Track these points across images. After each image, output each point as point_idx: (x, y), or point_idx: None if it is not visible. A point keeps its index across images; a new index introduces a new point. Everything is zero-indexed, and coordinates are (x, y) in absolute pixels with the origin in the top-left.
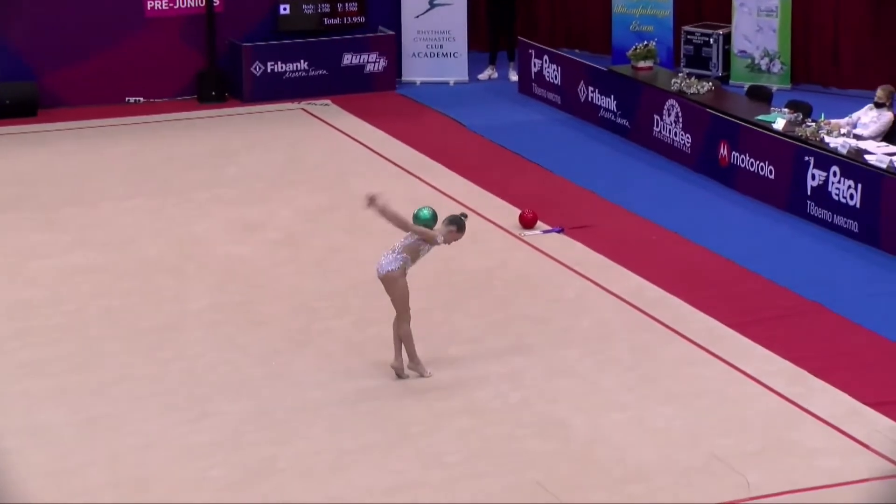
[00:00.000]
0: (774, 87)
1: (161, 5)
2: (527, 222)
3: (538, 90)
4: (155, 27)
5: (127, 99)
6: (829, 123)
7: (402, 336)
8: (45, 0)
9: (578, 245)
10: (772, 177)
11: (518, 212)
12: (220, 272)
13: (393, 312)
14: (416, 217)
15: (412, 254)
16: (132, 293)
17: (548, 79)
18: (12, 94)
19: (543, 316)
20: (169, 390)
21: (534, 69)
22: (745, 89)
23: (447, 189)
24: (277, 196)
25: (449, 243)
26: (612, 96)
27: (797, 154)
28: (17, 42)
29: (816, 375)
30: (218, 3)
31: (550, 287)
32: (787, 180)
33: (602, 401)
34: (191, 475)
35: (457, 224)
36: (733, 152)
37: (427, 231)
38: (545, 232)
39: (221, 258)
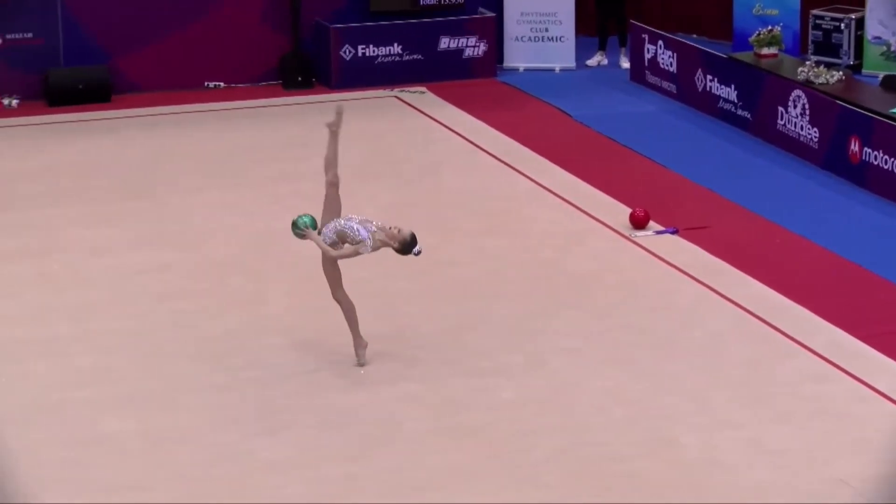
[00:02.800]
0: None
1: None
2: (638, 222)
3: (651, 78)
4: (236, 7)
5: (206, 84)
6: None
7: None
8: None
9: (693, 247)
10: None
11: (628, 210)
12: (300, 273)
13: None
14: (295, 225)
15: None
16: (203, 295)
17: (662, 66)
18: (85, 78)
19: (651, 325)
20: (240, 401)
21: (647, 55)
22: (880, 79)
23: (550, 184)
24: (363, 191)
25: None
26: (733, 86)
27: None
28: (89, 23)
29: None
30: None
31: (661, 293)
32: None
33: (714, 419)
34: (264, 493)
35: (402, 248)
36: (865, 148)
37: (350, 252)
38: (658, 233)
39: (301, 258)
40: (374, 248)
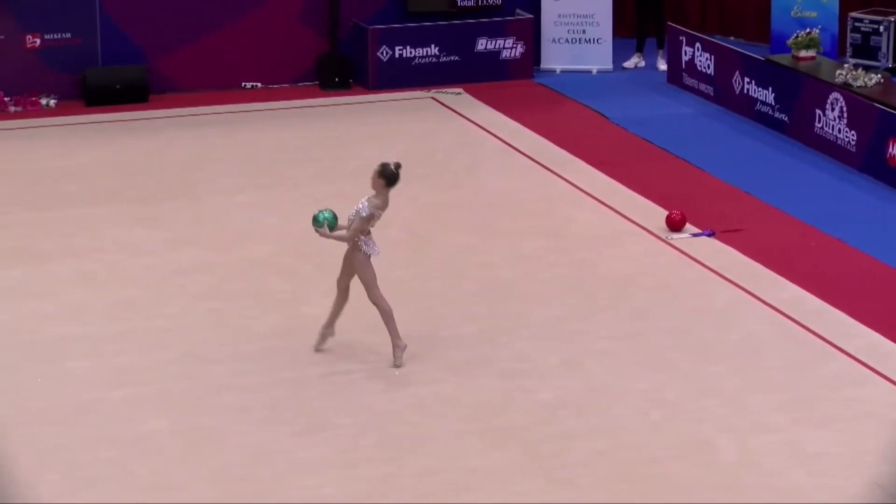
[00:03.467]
0: None
1: None
2: (674, 224)
3: (689, 80)
4: (273, 7)
5: (243, 84)
6: None
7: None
8: None
9: (730, 250)
10: None
11: (664, 213)
12: (336, 274)
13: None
14: (316, 220)
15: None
16: (241, 295)
17: (699, 68)
18: (122, 78)
19: (688, 327)
20: (278, 401)
21: (684, 57)
22: None
23: (586, 186)
24: (400, 191)
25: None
26: (770, 88)
27: None
28: (127, 23)
29: None
30: None
31: (697, 296)
32: None
33: (751, 422)
34: (299, 494)
35: (387, 177)
36: None
37: (358, 225)
38: (694, 235)
39: (339, 259)
40: (375, 207)
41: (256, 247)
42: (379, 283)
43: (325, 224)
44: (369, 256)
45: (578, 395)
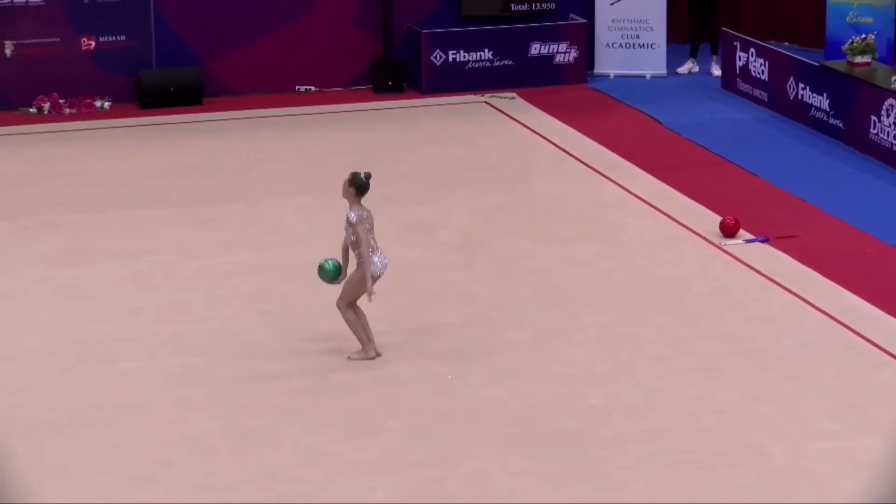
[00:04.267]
0: None
1: None
2: (728, 230)
3: (742, 86)
4: (326, 10)
5: (297, 88)
6: None
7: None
8: None
9: (784, 256)
10: None
11: (718, 218)
12: (390, 277)
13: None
14: (322, 269)
15: (355, 246)
16: (294, 298)
17: (753, 74)
18: (176, 80)
19: (741, 333)
20: (329, 403)
21: (738, 63)
22: None
23: (639, 191)
24: (453, 195)
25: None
26: (825, 94)
27: None
28: (181, 26)
29: None
30: None
31: (750, 302)
32: None
33: (804, 429)
34: (350, 496)
35: (357, 185)
36: None
37: (361, 233)
38: (748, 241)
39: (392, 261)
40: (358, 215)
41: (309, 249)
42: (432, 286)
43: (334, 272)
44: (368, 278)
45: (630, 400)
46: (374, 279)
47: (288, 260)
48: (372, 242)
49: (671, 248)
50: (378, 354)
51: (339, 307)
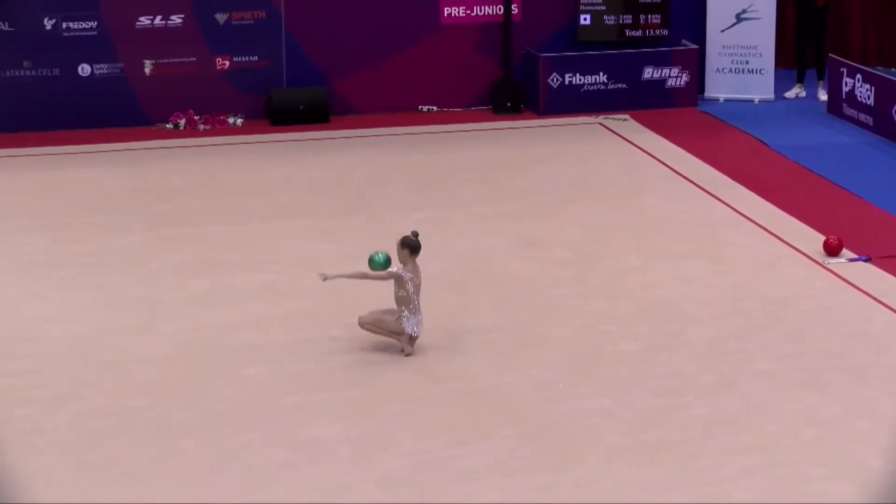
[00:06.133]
0: None
1: (457, 12)
2: (831, 249)
3: (848, 111)
4: (450, 34)
5: (420, 108)
6: None
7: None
8: (340, 4)
9: (886, 275)
10: None
11: (822, 238)
12: (505, 290)
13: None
14: (371, 261)
15: (405, 303)
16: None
17: (860, 99)
18: (305, 99)
19: (843, 350)
20: (443, 410)
21: (845, 88)
22: None
23: (746, 210)
24: (566, 212)
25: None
26: None
27: None
28: (310, 48)
29: None
30: (516, 11)
31: (853, 320)
32: None
33: None
34: (463, 499)
35: (410, 247)
36: None
37: (388, 273)
38: (850, 260)
39: (505, 275)
40: (408, 274)
41: (427, 262)
42: (545, 299)
43: (384, 264)
44: (405, 333)
45: (733, 413)
46: (408, 336)
47: None
48: (415, 302)
49: (776, 266)
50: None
51: (361, 324)
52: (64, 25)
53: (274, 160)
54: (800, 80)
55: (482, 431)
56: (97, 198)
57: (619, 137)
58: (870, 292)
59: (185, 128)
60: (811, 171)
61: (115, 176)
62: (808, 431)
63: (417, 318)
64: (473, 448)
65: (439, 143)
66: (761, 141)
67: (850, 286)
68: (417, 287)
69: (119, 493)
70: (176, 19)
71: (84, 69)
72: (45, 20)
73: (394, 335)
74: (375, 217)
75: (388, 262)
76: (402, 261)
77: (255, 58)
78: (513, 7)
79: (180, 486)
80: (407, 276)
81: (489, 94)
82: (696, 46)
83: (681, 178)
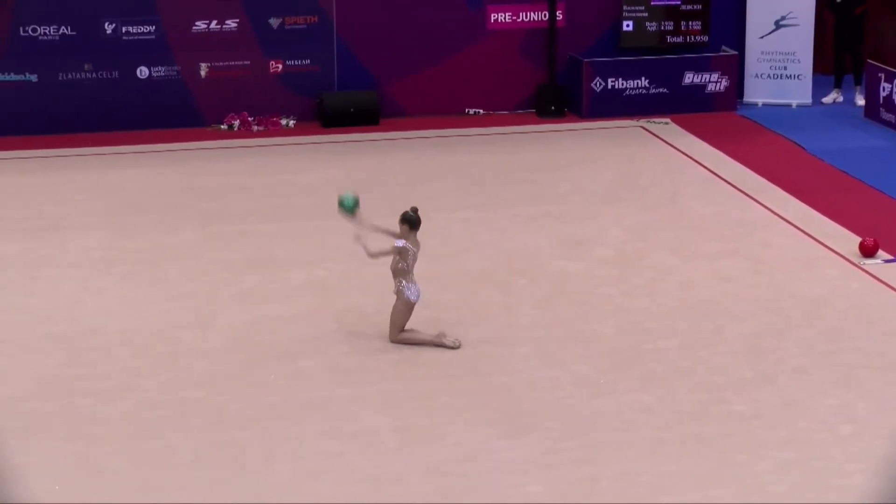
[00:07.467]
0: None
1: (504, 18)
2: (867, 250)
3: (885, 115)
4: (497, 39)
5: (466, 110)
6: None
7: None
8: (390, 10)
9: None
10: None
11: (858, 239)
12: (548, 288)
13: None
14: (340, 203)
15: (402, 275)
16: (457, 305)
17: None
18: (356, 102)
19: (879, 349)
20: (489, 404)
21: (882, 93)
22: None
23: (783, 212)
24: (608, 213)
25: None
26: None
27: None
28: (361, 52)
29: None
30: (560, 17)
31: (889, 319)
32: None
33: None
34: (505, 491)
35: (409, 222)
36: None
37: (395, 248)
38: (886, 261)
39: (550, 274)
40: (409, 245)
41: (473, 260)
42: (588, 297)
43: (350, 207)
44: (411, 304)
45: (771, 408)
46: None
47: (451, 270)
48: (412, 273)
49: (813, 266)
50: (454, 344)
51: (394, 341)
52: (123, 30)
53: (324, 161)
54: (837, 85)
55: (526, 424)
56: (153, 196)
57: (659, 140)
58: None
59: (239, 129)
60: (847, 173)
61: (171, 175)
62: (843, 427)
63: (417, 286)
64: (517, 441)
65: (485, 144)
66: (798, 144)
67: (885, 287)
68: (415, 258)
69: (174, 481)
70: (231, 24)
71: (142, 72)
72: (106, 25)
73: (433, 342)
74: (422, 216)
75: (356, 203)
76: (402, 235)
77: (308, 62)
78: (557, 13)
79: (234, 476)
80: (411, 249)
81: (534, 98)
82: (735, 52)
83: (719, 180)
